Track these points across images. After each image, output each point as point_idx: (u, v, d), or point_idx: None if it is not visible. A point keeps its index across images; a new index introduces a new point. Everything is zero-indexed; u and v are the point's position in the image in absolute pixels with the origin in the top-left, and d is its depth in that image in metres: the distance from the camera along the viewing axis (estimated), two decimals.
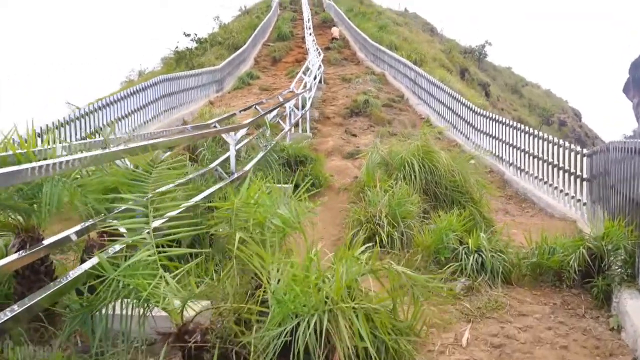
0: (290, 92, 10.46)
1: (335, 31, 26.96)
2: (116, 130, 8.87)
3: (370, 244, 3.29)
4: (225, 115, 6.76)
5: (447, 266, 3.93)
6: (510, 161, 9.23)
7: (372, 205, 4.84)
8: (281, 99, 9.08)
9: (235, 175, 4.51)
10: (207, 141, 5.83)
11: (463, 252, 4.00)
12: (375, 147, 6.07)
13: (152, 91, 11.34)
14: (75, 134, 8.09)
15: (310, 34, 25.30)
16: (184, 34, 21.56)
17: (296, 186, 4.82)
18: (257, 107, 6.97)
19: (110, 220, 2.37)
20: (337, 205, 6.21)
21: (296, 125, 10.63)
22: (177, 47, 21.61)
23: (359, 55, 23.50)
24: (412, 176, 5.40)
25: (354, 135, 11.00)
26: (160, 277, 1.99)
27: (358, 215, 4.89)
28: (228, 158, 4.82)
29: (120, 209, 2.52)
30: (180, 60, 21.26)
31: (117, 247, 2.24)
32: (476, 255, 3.93)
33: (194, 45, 21.93)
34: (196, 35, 22.00)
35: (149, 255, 2.04)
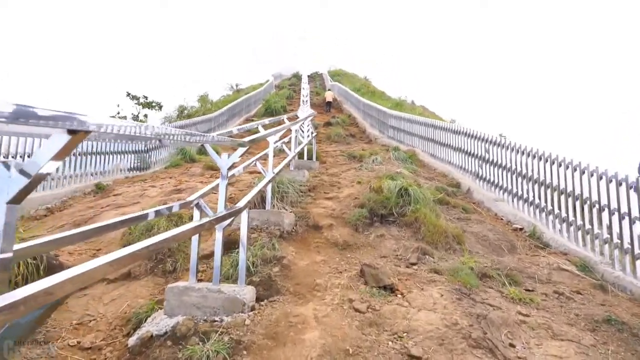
0: None
1: (329, 95, 22.85)
2: None
3: None
4: None
5: None
6: None
7: None
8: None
9: None
10: None
11: None
12: None
13: None
14: None
15: (305, 95, 19.96)
16: (128, 94, 15.45)
17: None
18: None
19: None
20: None
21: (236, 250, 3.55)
22: (118, 112, 15.48)
23: (370, 132, 17.29)
24: None
25: (389, 290, 3.79)
26: None
27: None
28: None
29: None
30: None
31: None
32: None
33: (141, 110, 15.73)
34: (146, 98, 15.89)
35: None
